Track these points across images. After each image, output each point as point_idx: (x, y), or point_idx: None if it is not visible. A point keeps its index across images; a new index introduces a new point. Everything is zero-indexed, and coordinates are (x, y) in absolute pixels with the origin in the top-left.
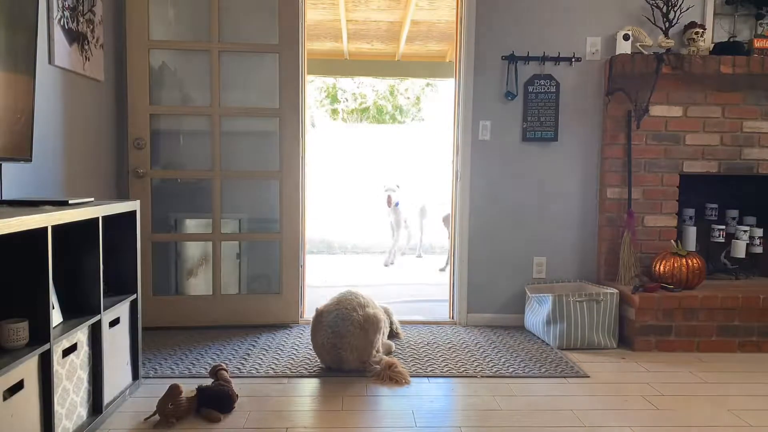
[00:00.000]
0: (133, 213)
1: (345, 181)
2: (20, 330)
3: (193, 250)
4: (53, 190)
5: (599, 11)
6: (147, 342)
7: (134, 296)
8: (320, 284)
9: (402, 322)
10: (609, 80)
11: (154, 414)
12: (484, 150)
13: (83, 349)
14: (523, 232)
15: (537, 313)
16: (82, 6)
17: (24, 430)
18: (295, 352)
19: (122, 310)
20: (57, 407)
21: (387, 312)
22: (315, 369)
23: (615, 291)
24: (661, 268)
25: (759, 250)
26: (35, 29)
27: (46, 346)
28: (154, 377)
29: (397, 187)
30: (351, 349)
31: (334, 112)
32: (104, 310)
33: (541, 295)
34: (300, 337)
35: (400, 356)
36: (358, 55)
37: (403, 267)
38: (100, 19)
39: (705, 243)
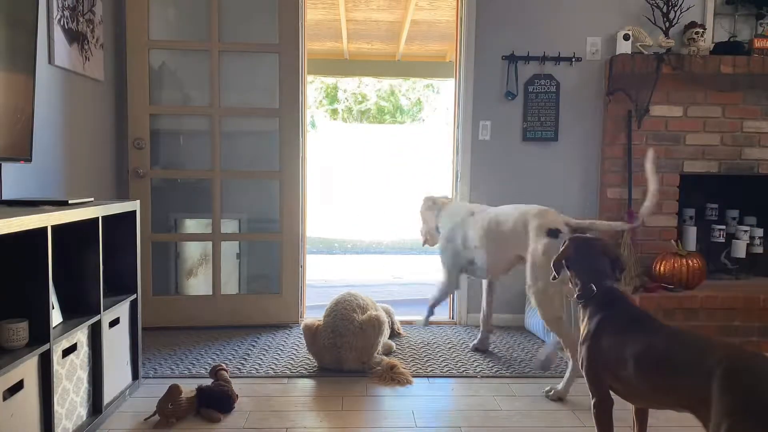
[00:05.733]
0: (133, 213)
1: (345, 181)
2: (20, 330)
3: (193, 250)
4: (53, 190)
5: (599, 11)
6: (147, 342)
7: (134, 296)
8: (320, 284)
9: (402, 322)
10: (609, 80)
11: (154, 414)
12: (484, 150)
13: (83, 349)
14: None
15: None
16: (82, 6)
17: (24, 430)
18: (295, 352)
19: (122, 310)
20: (57, 407)
21: (388, 311)
22: (315, 369)
23: None
24: (662, 268)
25: (759, 250)
26: (35, 29)
27: (45, 346)
28: (154, 377)
29: None
30: (351, 349)
31: (334, 112)
32: (104, 310)
33: None
34: (300, 337)
35: (401, 356)
36: (358, 55)
37: (403, 267)
38: (100, 19)
39: (705, 243)
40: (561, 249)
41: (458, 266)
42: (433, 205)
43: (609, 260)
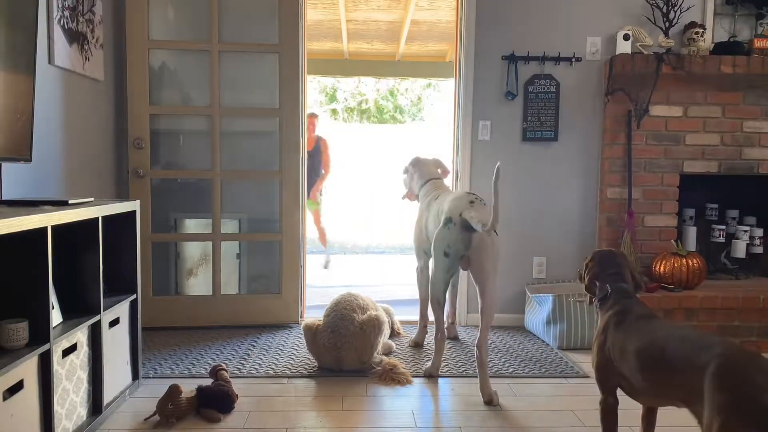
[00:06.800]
0: (133, 213)
1: (344, 181)
2: (20, 330)
3: (193, 250)
4: (53, 190)
5: (599, 11)
6: (147, 342)
7: (134, 296)
8: (320, 284)
9: (402, 323)
10: (609, 80)
11: (154, 414)
12: (484, 150)
13: (83, 349)
14: (523, 232)
15: (537, 313)
16: (82, 6)
17: (24, 430)
18: (295, 352)
19: (122, 310)
20: (57, 407)
21: (388, 312)
22: (315, 369)
23: None
24: (661, 268)
25: (759, 250)
26: (35, 29)
27: (46, 346)
28: (154, 377)
29: None
30: (351, 349)
31: (334, 111)
32: (104, 310)
33: (541, 295)
34: (300, 337)
35: (400, 356)
36: (358, 55)
37: (402, 267)
38: (100, 19)
39: (705, 243)
40: (588, 265)
41: (421, 249)
42: (413, 168)
43: (629, 269)
